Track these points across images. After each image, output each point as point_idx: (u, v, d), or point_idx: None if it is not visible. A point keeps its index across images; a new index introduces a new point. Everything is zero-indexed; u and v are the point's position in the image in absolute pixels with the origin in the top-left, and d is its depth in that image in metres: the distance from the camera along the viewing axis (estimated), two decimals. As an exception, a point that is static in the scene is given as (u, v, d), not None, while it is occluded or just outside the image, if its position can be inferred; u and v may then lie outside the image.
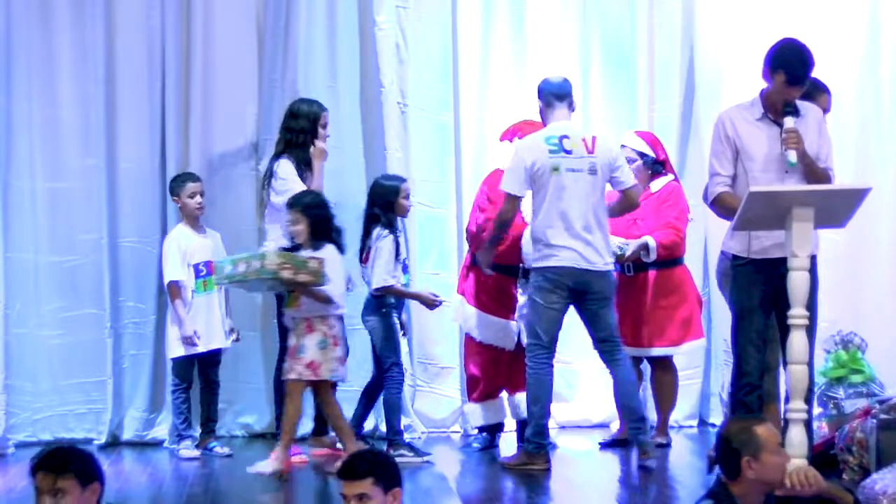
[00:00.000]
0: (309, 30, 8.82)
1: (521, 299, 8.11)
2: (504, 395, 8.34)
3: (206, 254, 8.33)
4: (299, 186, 7.93)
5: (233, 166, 8.68)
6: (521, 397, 8.21)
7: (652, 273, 8.25)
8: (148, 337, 8.71)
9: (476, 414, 8.35)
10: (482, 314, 8.22)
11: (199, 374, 8.42)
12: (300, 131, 8.09)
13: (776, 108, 6.80)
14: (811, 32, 8.80)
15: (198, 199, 8.36)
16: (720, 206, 6.88)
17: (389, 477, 4.51)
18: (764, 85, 6.85)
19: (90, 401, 8.71)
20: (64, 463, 4.57)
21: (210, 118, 8.83)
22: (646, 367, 8.54)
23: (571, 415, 9.06)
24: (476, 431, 8.47)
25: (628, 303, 8.21)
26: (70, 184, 8.72)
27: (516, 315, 8.16)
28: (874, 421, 6.98)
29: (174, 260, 8.29)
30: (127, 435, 8.66)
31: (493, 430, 8.38)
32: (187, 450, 8.24)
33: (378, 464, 4.56)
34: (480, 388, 8.30)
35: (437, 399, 8.96)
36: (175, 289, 8.27)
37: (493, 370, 8.27)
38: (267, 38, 8.83)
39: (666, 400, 8.43)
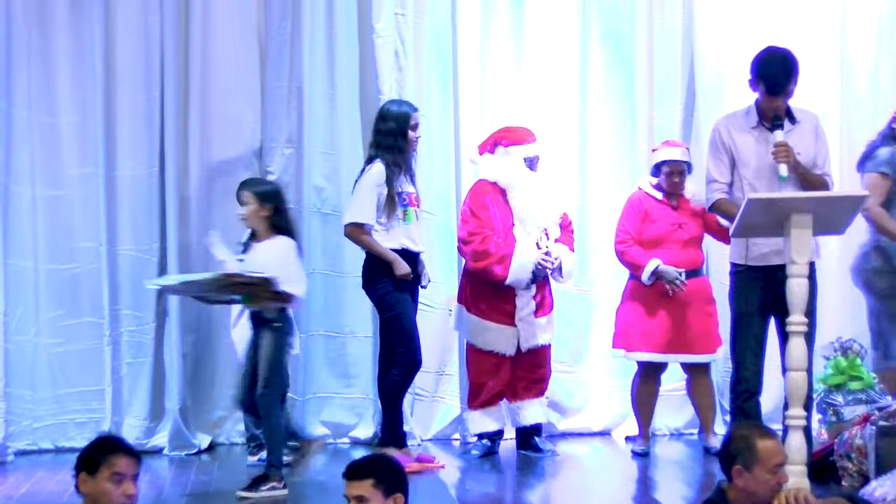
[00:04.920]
0: (311, 36, 8.80)
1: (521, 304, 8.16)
2: (504, 402, 8.34)
3: None
4: (368, 202, 7.86)
5: (233, 174, 8.62)
6: (520, 404, 8.25)
7: (697, 280, 8.23)
8: (147, 345, 8.69)
9: (476, 421, 8.35)
10: (481, 321, 8.23)
11: None
12: (389, 133, 7.99)
13: (769, 117, 6.80)
14: (810, 35, 8.84)
15: None
16: (718, 212, 6.90)
17: (392, 481, 4.44)
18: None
19: (90, 409, 8.68)
20: None
21: (209, 125, 8.80)
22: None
23: (573, 423, 9.04)
24: (475, 439, 8.45)
25: (673, 309, 8.18)
26: (69, 191, 8.69)
27: (516, 319, 8.16)
28: (873, 427, 6.98)
29: None
30: (126, 443, 8.63)
31: (492, 438, 8.37)
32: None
33: (381, 466, 4.49)
34: (481, 395, 8.30)
35: (436, 406, 8.95)
36: None
37: (493, 377, 8.26)
38: (270, 45, 8.80)
39: (711, 405, 8.38)
